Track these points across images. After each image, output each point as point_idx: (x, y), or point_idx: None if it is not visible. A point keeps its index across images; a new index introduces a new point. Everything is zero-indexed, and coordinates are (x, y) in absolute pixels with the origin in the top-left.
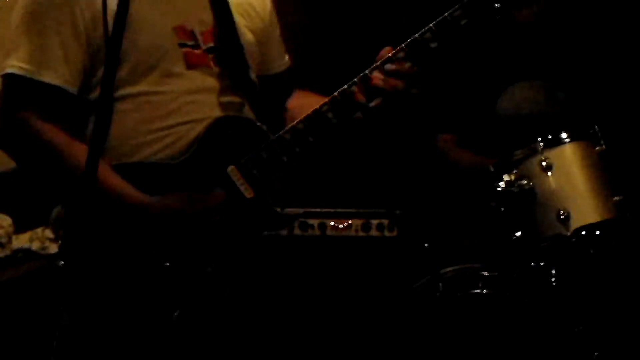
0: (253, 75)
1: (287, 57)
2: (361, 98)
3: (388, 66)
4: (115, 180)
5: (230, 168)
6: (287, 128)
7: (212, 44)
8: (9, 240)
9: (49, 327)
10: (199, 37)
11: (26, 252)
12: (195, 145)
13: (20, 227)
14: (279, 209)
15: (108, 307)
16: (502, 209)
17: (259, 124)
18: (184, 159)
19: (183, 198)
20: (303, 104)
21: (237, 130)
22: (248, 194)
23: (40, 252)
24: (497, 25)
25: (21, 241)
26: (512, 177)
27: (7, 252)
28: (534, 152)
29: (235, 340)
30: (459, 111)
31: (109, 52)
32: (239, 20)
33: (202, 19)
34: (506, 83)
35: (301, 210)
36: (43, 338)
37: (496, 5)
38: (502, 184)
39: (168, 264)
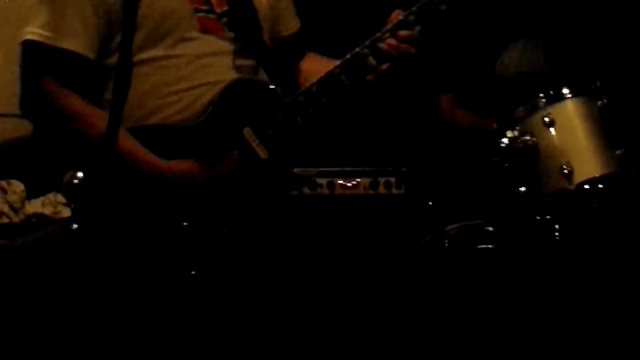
0: (266, 38)
1: (297, 20)
2: (372, 61)
3: (400, 32)
4: (131, 145)
5: (246, 129)
6: (301, 90)
7: (226, 8)
8: (22, 206)
9: (66, 291)
10: (214, 1)
11: (39, 217)
12: (210, 107)
13: (31, 194)
14: (293, 169)
15: (126, 266)
16: (506, 165)
17: (272, 86)
18: (200, 121)
19: (197, 164)
20: (314, 66)
21: (251, 92)
22: (263, 154)
23: (53, 216)
24: None
25: (34, 207)
26: (515, 134)
27: (22, 216)
28: (536, 108)
29: (249, 301)
30: (459, 71)
31: (125, 18)
32: None
33: None
34: (505, 42)
35: (315, 171)
36: (59, 302)
37: None
38: (505, 140)
39: (186, 224)
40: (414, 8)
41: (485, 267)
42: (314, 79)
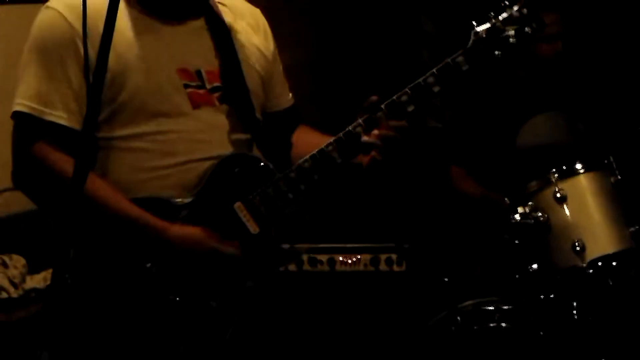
0: (258, 115)
1: (290, 95)
2: (367, 139)
3: (391, 110)
4: (138, 210)
5: (237, 204)
6: (293, 167)
7: (217, 84)
8: (23, 281)
9: None
10: (205, 77)
11: (38, 292)
12: (203, 182)
13: (33, 268)
14: (284, 245)
15: (113, 339)
16: (517, 242)
17: (265, 162)
18: (192, 195)
19: (203, 231)
20: (307, 140)
21: (244, 168)
22: (253, 229)
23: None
24: (517, 60)
25: (35, 281)
26: (527, 209)
27: (20, 292)
28: (548, 183)
29: None
30: (473, 144)
31: (90, 90)
32: (244, 60)
33: (208, 59)
34: (526, 116)
35: (305, 247)
36: None
37: (496, 53)
38: (516, 216)
39: (178, 299)
40: (406, 89)
41: (496, 346)
42: (306, 156)
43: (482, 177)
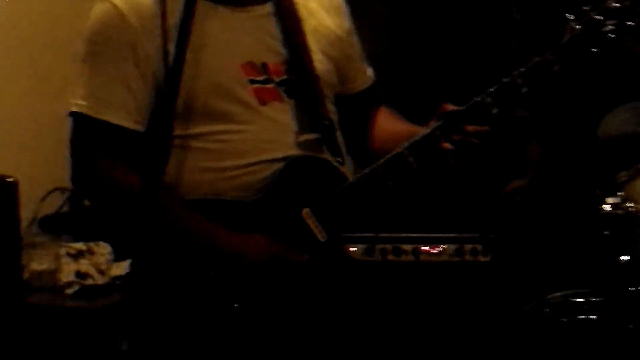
0: (329, 104)
1: (369, 73)
2: (445, 145)
3: (474, 112)
4: (196, 216)
5: (305, 210)
6: (365, 171)
7: (285, 77)
8: (108, 268)
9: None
10: (271, 70)
11: (124, 280)
12: (270, 185)
13: (119, 256)
14: (352, 254)
15: (174, 347)
16: (607, 233)
17: (336, 164)
18: (258, 198)
19: (266, 242)
20: (384, 129)
21: (313, 171)
22: (322, 237)
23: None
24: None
25: (120, 269)
26: (617, 200)
27: (106, 279)
28: (638, 173)
29: None
30: (563, 133)
31: (167, 90)
32: (315, 46)
33: (274, 50)
34: (609, 107)
35: (378, 258)
36: None
37: (592, 50)
38: (606, 207)
39: (237, 306)
40: (490, 89)
41: (585, 339)
42: (381, 160)
43: (569, 167)
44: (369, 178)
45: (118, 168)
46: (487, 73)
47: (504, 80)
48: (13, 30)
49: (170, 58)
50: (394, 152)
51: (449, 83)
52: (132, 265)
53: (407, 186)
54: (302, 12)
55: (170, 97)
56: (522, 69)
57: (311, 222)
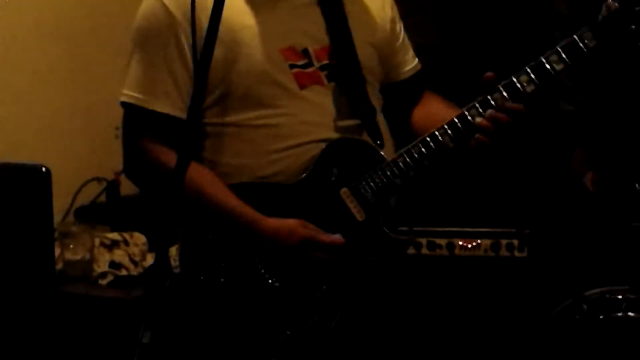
0: (371, 89)
1: (415, 62)
2: (479, 122)
3: (509, 91)
4: (234, 201)
5: (343, 190)
6: (402, 151)
7: (326, 62)
8: (143, 258)
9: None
10: (312, 55)
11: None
12: (310, 167)
13: (154, 246)
14: (391, 233)
15: (215, 324)
16: None
17: (374, 146)
18: (299, 180)
19: (299, 227)
20: (429, 113)
21: (352, 152)
22: (360, 216)
23: (173, 270)
24: None
25: None
26: None
27: (140, 269)
28: None
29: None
30: (608, 128)
31: (197, 74)
32: (358, 34)
33: (316, 36)
34: None
35: (413, 236)
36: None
37: (631, 27)
38: None
39: (278, 285)
40: (526, 68)
41: (623, 336)
42: (416, 140)
43: (612, 163)
44: (404, 158)
45: (166, 153)
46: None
47: (540, 58)
48: (51, 21)
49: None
50: (430, 132)
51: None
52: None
53: (443, 166)
54: (345, 0)
55: (199, 83)
56: (558, 47)
57: (349, 202)
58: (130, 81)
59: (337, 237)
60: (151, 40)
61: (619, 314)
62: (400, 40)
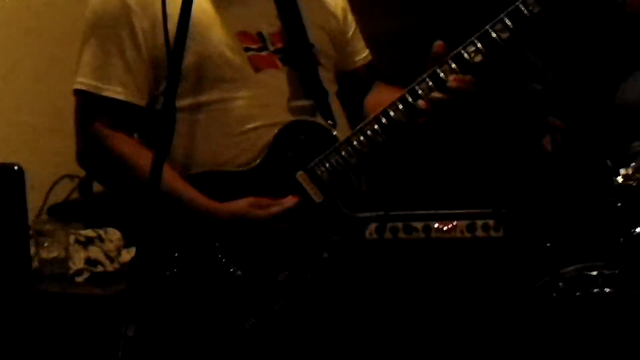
0: (325, 72)
1: (366, 52)
2: (433, 95)
3: (457, 63)
4: (184, 188)
5: (299, 173)
6: (355, 130)
7: (280, 45)
8: (119, 254)
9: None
10: (267, 39)
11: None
12: (265, 150)
13: (130, 242)
14: (349, 212)
15: (177, 316)
16: (620, 204)
17: (328, 127)
18: (255, 164)
19: (252, 203)
20: (381, 99)
21: (306, 135)
22: (317, 198)
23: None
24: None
25: (131, 255)
26: (630, 171)
27: (116, 265)
28: None
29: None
30: (577, 104)
31: (170, 62)
32: (310, 19)
33: (270, 20)
34: (627, 71)
35: (375, 214)
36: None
37: None
38: (619, 178)
39: (240, 273)
40: (473, 38)
41: (600, 312)
42: (369, 117)
43: (583, 138)
44: (358, 136)
45: (121, 140)
46: None
47: (486, 27)
48: (18, 21)
49: (171, 35)
50: (382, 109)
51: None
52: (137, 250)
53: (397, 142)
54: None
55: (174, 73)
56: (503, 15)
57: (306, 184)
58: (84, 68)
59: (290, 199)
60: (104, 27)
61: (596, 290)
62: (352, 30)
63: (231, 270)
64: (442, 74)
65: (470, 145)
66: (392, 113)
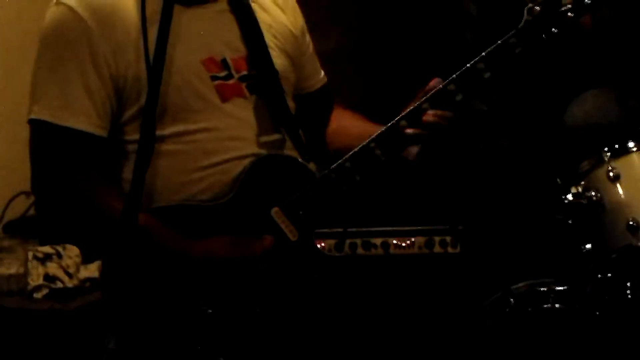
0: (289, 100)
1: (322, 74)
2: (410, 132)
3: (438, 99)
4: (155, 224)
5: (274, 210)
6: (333, 166)
7: (245, 72)
8: (77, 270)
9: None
10: (231, 65)
11: (94, 282)
12: (237, 185)
13: (87, 258)
14: (326, 252)
15: (149, 356)
16: (570, 222)
17: (302, 162)
18: (226, 200)
19: (227, 242)
20: (345, 125)
21: (280, 169)
22: (293, 236)
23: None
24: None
25: (89, 271)
26: (580, 189)
27: (75, 282)
28: (601, 162)
29: None
30: (524, 124)
31: (150, 88)
32: (272, 43)
33: (233, 45)
34: (575, 91)
35: (334, 230)
36: None
37: (553, 30)
38: (569, 196)
39: (210, 311)
40: (453, 76)
41: (551, 327)
42: (348, 154)
43: (532, 157)
44: (336, 173)
45: (81, 176)
46: (443, 66)
47: (467, 65)
48: None
49: (132, 58)
50: (360, 146)
51: (406, 76)
52: (105, 265)
53: (374, 179)
54: (256, 8)
55: (151, 101)
56: (484, 53)
57: (282, 221)
58: (41, 95)
59: (269, 238)
60: (62, 50)
61: (546, 306)
62: (310, 51)
63: (202, 307)
64: (422, 111)
65: (428, 164)
66: (370, 150)
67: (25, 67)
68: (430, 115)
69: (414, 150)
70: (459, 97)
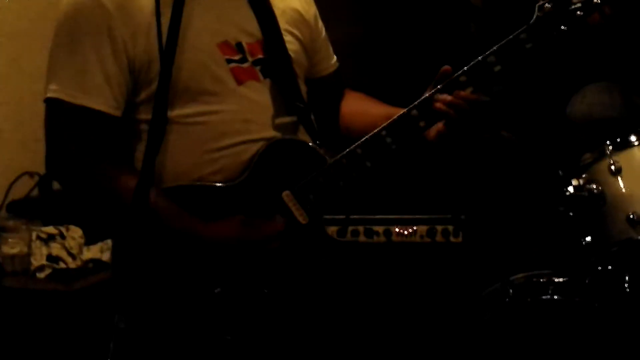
0: (302, 85)
1: (334, 59)
2: (422, 123)
3: (449, 90)
4: (166, 205)
5: (285, 193)
6: (344, 152)
7: (260, 56)
8: (80, 251)
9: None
10: (246, 49)
11: (96, 263)
12: (250, 168)
13: (90, 239)
14: (335, 236)
15: (158, 335)
16: (571, 214)
17: (314, 146)
18: (238, 182)
19: (239, 223)
20: (357, 109)
21: (292, 153)
22: (302, 219)
23: (110, 262)
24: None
25: (92, 252)
26: (581, 182)
27: (78, 262)
28: (603, 155)
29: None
30: (526, 116)
31: (162, 71)
32: (285, 28)
33: (248, 30)
34: (578, 85)
35: (337, 217)
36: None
37: (562, 27)
38: (571, 188)
39: (218, 290)
40: (465, 68)
41: (549, 318)
42: (359, 140)
43: (534, 149)
44: (347, 159)
45: (96, 154)
46: (446, 58)
47: (478, 59)
48: None
49: (151, 42)
50: (372, 133)
51: (410, 68)
52: (115, 244)
53: (385, 167)
54: None
55: (163, 83)
56: (495, 48)
57: (292, 205)
58: (58, 76)
59: (281, 219)
60: (81, 32)
61: (545, 297)
62: (323, 37)
63: (210, 287)
64: (433, 102)
65: (432, 154)
66: (381, 138)
67: (28, 53)
68: (440, 104)
69: (432, 131)
70: (469, 91)
